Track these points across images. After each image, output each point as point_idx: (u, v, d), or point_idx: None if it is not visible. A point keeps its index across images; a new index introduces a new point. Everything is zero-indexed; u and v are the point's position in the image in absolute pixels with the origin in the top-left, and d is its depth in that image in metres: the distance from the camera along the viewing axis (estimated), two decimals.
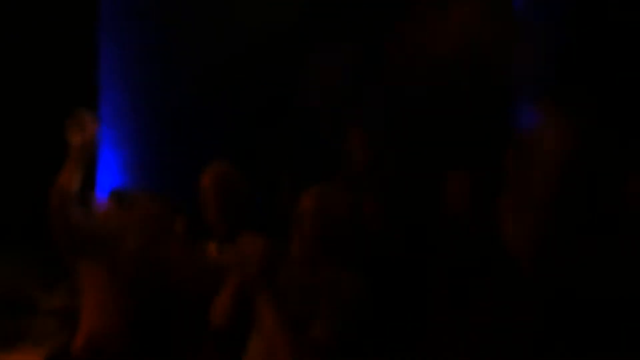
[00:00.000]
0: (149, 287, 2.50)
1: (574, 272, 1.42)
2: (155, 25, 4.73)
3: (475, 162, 2.75)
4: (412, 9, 4.06)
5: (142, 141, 4.96)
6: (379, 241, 2.34)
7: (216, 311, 2.08)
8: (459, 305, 2.07)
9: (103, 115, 4.80)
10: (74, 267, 2.57)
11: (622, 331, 1.37)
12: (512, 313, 1.50)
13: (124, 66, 4.84)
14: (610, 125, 1.64)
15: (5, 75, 4.59)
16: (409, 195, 2.82)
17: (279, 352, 1.75)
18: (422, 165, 3.16)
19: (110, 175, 4.93)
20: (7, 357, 3.11)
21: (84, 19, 4.79)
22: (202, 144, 4.54)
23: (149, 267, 2.50)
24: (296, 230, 1.93)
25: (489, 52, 3.79)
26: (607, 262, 1.42)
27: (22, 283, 3.60)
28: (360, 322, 1.79)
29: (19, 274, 3.64)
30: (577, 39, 3.91)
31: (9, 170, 4.49)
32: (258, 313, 1.83)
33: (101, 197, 4.40)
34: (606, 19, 3.84)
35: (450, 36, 3.91)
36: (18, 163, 4.53)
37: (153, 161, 4.87)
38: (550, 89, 3.69)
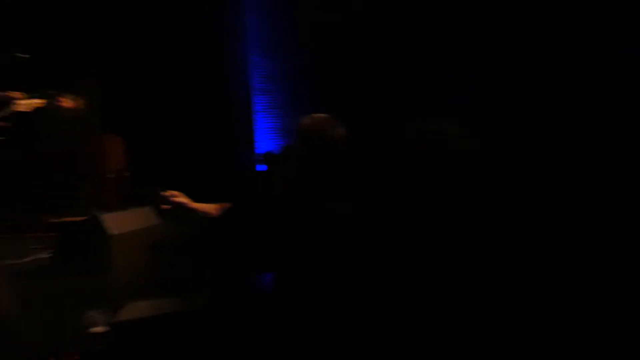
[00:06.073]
0: None
1: None
2: None
3: None
4: None
5: (293, 107, 4.99)
6: None
7: None
8: None
9: (254, 82, 4.93)
10: None
11: None
12: None
13: (272, 34, 4.90)
14: None
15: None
16: None
17: None
18: None
19: (265, 140, 5.04)
20: None
21: None
22: (351, 107, 4.48)
23: None
24: None
25: None
26: None
27: None
28: None
29: None
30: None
31: None
32: None
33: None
34: None
35: None
36: None
37: None
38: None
